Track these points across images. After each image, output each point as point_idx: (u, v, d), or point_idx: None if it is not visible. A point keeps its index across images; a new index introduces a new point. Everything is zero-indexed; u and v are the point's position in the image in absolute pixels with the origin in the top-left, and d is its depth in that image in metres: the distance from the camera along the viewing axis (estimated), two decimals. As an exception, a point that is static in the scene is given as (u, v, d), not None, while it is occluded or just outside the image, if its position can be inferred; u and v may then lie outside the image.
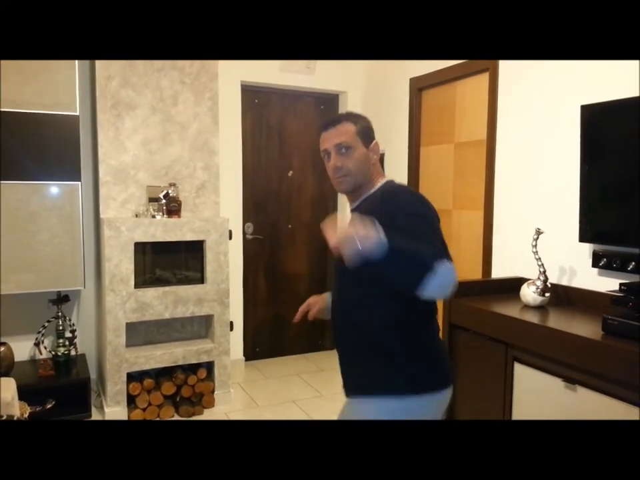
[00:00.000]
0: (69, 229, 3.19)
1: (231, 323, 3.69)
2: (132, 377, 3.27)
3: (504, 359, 2.35)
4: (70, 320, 3.53)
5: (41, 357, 3.47)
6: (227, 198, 3.94)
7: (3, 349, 3.14)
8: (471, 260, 3.35)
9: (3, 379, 2.45)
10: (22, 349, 3.45)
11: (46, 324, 3.42)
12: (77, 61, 3.12)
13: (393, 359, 1.49)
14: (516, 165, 2.99)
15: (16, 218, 3.06)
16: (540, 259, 2.51)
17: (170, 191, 3.33)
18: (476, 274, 3.29)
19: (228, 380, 3.54)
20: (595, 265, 2.42)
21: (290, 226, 4.47)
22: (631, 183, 2.22)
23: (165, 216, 3.31)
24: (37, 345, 3.47)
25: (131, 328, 3.30)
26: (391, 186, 1.59)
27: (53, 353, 3.42)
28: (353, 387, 1.61)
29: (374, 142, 1.61)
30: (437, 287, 1.27)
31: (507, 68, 3.03)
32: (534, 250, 2.51)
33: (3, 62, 2.93)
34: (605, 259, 2.37)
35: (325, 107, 4.52)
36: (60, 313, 3.44)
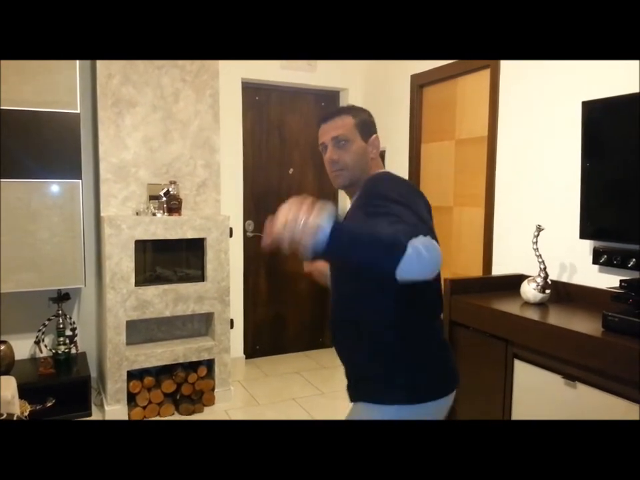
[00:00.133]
0: (69, 226, 3.19)
1: (232, 321, 3.70)
2: (132, 375, 3.27)
3: (504, 355, 2.35)
4: (70, 318, 3.53)
5: (42, 355, 3.48)
6: (228, 195, 3.94)
7: (3, 347, 3.14)
8: (472, 257, 3.36)
9: (3, 377, 2.46)
10: (22, 347, 3.45)
11: (46, 322, 3.43)
12: (77, 60, 3.12)
13: (393, 361, 1.43)
14: (517, 162, 2.99)
15: (16, 216, 3.06)
16: (540, 255, 2.51)
17: (171, 189, 3.33)
18: (476, 271, 3.29)
19: (228, 378, 3.54)
20: (595, 261, 2.42)
21: (290, 223, 4.46)
22: (631, 179, 2.22)
23: (165, 214, 3.31)
24: (37, 343, 3.48)
25: (132, 326, 3.30)
26: (377, 174, 1.52)
27: (54, 351, 3.43)
28: (354, 391, 1.54)
29: (374, 136, 1.55)
30: (415, 266, 1.12)
31: (508, 65, 3.03)
32: (534, 247, 2.51)
33: (3, 62, 2.92)
34: (605, 256, 2.37)
35: (326, 104, 4.52)
36: (60, 311, 3.44)
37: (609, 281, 2.41)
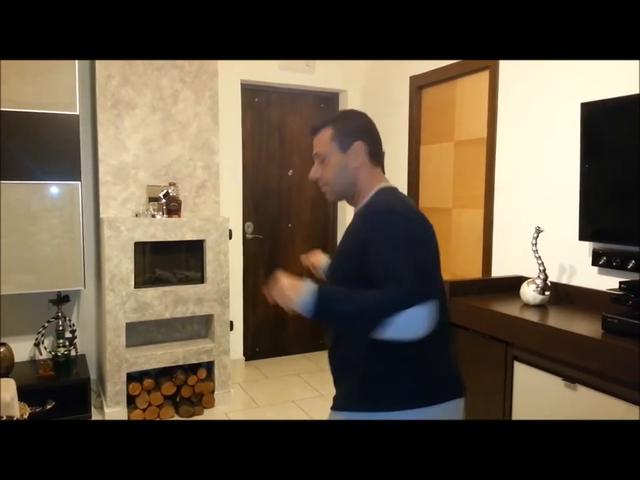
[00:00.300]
0: (68, 228, 3.19)
1: (231, 323, 3.69)
2: (132, 377, 3.27)
3: (504, 357, 2.35)
4: (70, 320, 3.53)
5: (41, 357, 3.47)
6: (227, 197, 3.94)
7: (2, 349, 3.14)
8: (471, 258, 3.35)
9: (3, 379, 2.45)
10: (22, 349, 3.45)
11: (46, 324, 3.42)
12: (76, 61, 3.12)
13: (375, 366, 1.36)
14: (516, 163, 2.99)
15: (16, 218, 3.06)
16: (540, 257, 2.50)
17: (170, 191, 3.33)
18: (476, 272, 3.29)
19: (228, 380, 3.54)
20: (594, 263, 2.42)
21: (290, 225, 4.47)
22: (631, 180, 2.22)
23: (164, 215, 3.31)
24: (36, 345, 3.47)
25: (131, 328, 3.30)
26: (374, 200, 1.45)
27: (53, 353, 3.42)
28: (337, 395, 1.49)
29: (355, 144, 1.45)
30: (399, 330, 1.19)
31: (507, 66, 3.03)
32: (534, 248, 2.51)
33: (3, 62, 2.93)
34: (604, 257, 2.36)
35: (325, 105, 4.52)
36: (60, 313, 3.44)
37: (608, 282, 2.40)
